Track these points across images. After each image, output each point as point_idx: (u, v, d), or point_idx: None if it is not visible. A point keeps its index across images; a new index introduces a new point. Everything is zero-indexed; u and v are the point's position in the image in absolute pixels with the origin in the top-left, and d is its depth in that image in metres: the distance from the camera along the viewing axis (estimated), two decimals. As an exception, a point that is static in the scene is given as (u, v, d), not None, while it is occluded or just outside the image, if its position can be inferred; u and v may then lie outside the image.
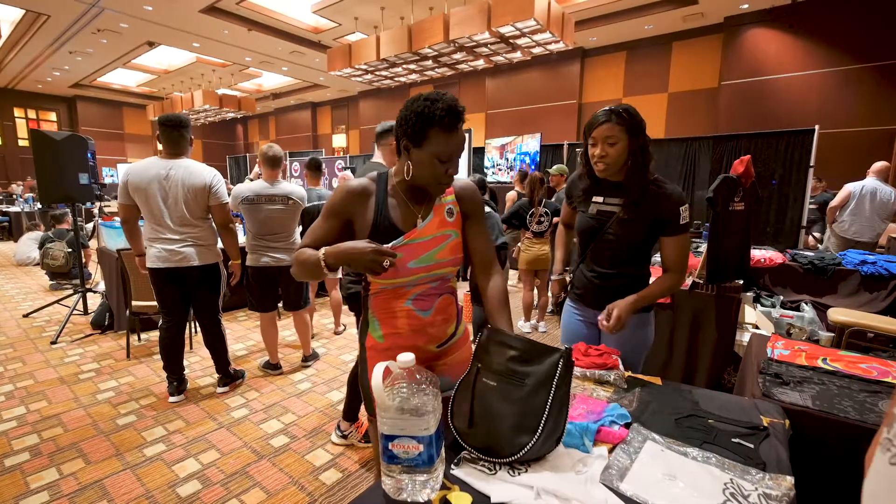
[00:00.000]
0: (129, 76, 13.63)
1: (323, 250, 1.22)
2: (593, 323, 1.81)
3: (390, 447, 0.94)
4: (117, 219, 6.72)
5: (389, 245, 1.26)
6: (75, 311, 4.64)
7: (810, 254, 3.80)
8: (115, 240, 4.58)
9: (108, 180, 14.86)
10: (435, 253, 1.33)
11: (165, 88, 14.70)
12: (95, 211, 8.56)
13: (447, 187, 1.34)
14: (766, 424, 1.19)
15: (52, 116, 16.19)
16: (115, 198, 9.72)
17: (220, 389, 3.21)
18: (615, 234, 1.72)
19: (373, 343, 1.40)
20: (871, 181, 5.02)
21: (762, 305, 3.32)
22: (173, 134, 2.79)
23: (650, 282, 1.77)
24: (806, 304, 3.38)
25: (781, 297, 3.49)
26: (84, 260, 5.59)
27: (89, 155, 4.47)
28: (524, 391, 1.04)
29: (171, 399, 3.06)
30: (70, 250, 5.99)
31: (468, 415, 1.08)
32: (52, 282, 6.24)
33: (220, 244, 3.06)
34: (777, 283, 3.67)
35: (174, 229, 2.81)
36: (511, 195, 5.77)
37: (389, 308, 1.36)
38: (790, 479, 0.95)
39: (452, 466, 1.02)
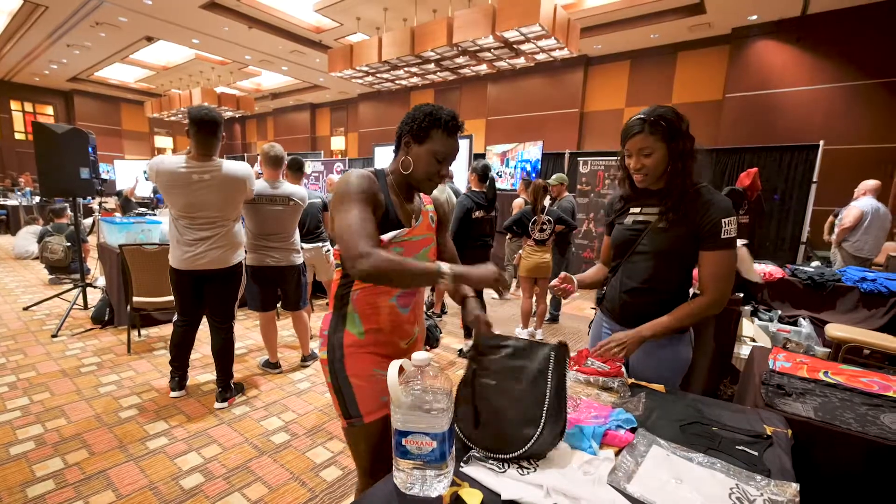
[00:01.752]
0: (128, 72, 13.49)
1: (448, 267, 1.23)
2: None
3: (403, 443, 0.96)
4: (118, 215, 6.72)
5: (391, 235, 1.34)
6: (75, 306, 4.63)
7: (810, 269, 3.82)
8: (115, 235, 4.58)
9: (104, 176, 14.72)
10: (426, 252, 1.46)
11: (164, 85, 14.55)
12: (94, 206, 8.53)
13: (436, 186, 1.44)
14: (769, 433, 1.21)
15: (49, 110, 15.98)
16: (113, 195, 9.46)
17: (218, 405, 2.97)
18: (649, 245, 1.59)
19: (352, 340, 1.40)
20: (871, 200, 5.08)
21: (760, 319, 3.34)
22: (209, 137, 2.64)
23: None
24: (804, 319, 3.40)
25: (779, 312, 3.51)
26: (83, 255, 5.58)
27: (90, 149, 4.45)
28: (523, 384, 1.09)
29: (173, 394, 3.06)
30: (69, 244, 5.97)
31: (473, 417, 1.10)
32: (50, 276, 6.22)
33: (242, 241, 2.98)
34: (776, 298, 3.68)
35: (205, 230, 2.73)
36: (518, 202, 5.78)
37: (374, 304, 1.39)
38: (795, 487, 0.97)
39: (462, 464, 1.04)
